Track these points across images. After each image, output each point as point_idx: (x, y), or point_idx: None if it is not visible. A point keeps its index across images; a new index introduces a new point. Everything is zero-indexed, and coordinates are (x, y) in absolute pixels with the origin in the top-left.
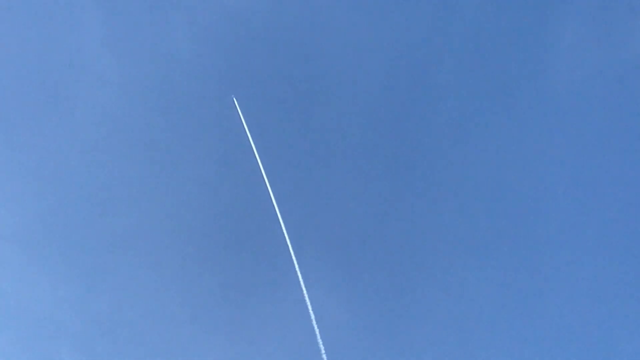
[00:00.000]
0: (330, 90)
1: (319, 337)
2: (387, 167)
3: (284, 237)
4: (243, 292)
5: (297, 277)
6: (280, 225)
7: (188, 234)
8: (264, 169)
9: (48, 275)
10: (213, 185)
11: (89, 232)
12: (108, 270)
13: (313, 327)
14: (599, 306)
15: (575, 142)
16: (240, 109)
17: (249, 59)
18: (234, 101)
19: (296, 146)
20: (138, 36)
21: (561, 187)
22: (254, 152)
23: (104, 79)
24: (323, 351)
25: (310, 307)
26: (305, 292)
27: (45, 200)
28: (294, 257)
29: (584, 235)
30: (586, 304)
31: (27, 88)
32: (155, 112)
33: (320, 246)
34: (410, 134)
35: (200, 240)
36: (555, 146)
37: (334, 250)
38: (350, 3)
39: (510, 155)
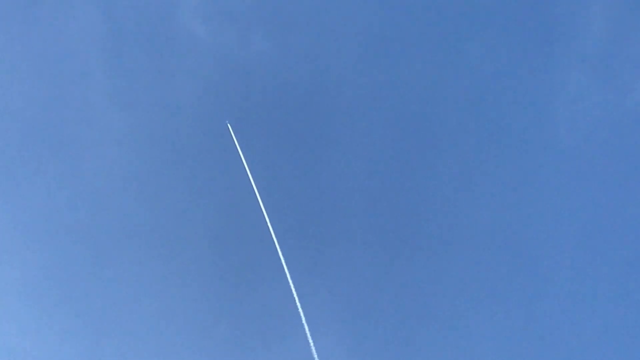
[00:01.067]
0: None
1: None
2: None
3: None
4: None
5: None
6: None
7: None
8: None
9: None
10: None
11: (94, 283)
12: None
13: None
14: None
15: (579, 189)
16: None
17: (251, 109)
18: (228, 127)
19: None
20: (141, 86)
21: (566, 237)
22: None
23: (109, 130)
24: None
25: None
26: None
27: (51, 253)
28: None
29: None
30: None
31: (32, 140)
32: (159, 161)
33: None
34: (412, 183)
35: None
36: (560, 194)
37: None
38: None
39: (515, 204)
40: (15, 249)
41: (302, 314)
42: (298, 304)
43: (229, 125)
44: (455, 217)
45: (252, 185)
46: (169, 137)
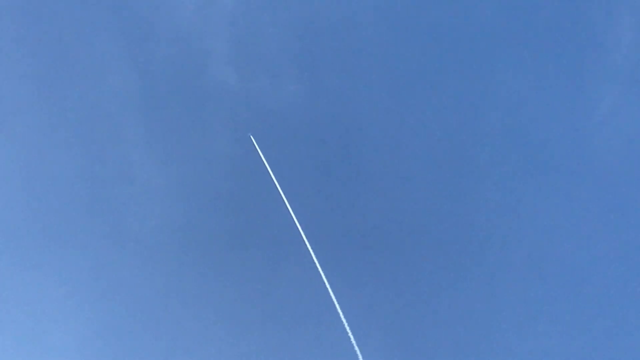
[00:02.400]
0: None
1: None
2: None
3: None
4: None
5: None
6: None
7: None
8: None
9: None
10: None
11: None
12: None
13: None
14: None
15: (616, 205)
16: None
17: (287, 152)
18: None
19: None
20: (176, 139)
21: (602, 253)
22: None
23: (147, 185)
24: None
25: None
26: None
27: (100, 315)
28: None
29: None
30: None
31: (73, 203)
32: (200, 213)
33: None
34: (451, 206)
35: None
36: (596, 210)
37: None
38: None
39: (554, 221)
40: (64, 310)
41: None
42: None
43: (252, 137)
44: (498, 233)
45: (293, 219)
46: (208, 188)
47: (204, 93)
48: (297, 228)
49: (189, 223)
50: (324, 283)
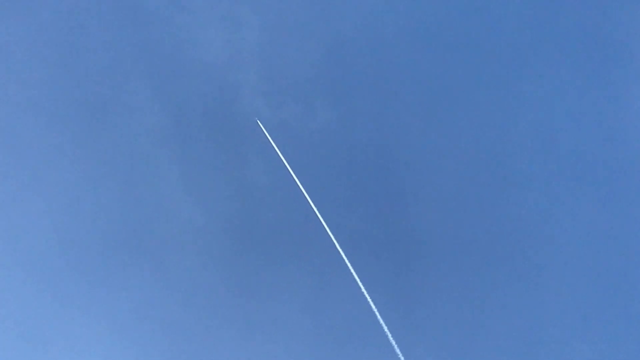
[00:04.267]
0: None
1: None
2: None
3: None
4: None
5: None
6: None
7: None
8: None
9: None
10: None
11: None
12: None
13: None
14: None
15: None
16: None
17: (325, 179)
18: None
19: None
20: (212, 174)
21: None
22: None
23: (186, 223)
24: None
25: None
26: None
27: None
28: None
29: None
30: None
31: (113, 245)
32: (240, 250)
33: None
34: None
35: None
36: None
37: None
38: None
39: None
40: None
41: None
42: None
43: (258, 121)
44: (536, 241)
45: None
46: (246, 221)
47: (235, 124)
48: (341, 256)
49: (228, 257)
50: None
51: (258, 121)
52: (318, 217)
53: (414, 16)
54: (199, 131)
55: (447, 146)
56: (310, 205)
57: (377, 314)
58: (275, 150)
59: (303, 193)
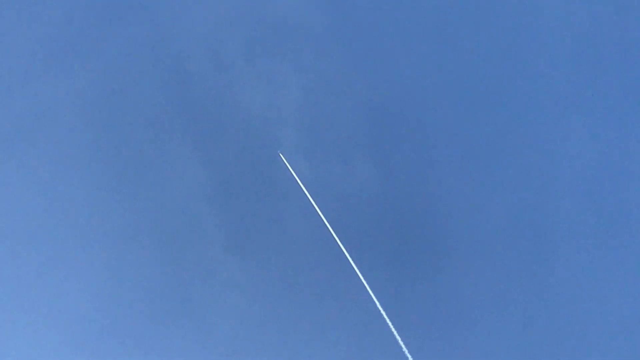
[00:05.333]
0: None
1: None
2: None
3: None
4: None
5: None
6: None
7: None
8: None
9: None
10: None
11: None
12: None
13: None
14: None
15: None
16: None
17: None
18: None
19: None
20: (255, 233)
21: None
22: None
23: (227, 279)
24: None
25: None
26: None
27: None
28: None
29: None
30: None
31: (155, 303)
32: (288, 305)
33: None
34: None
35: None
36: None
37: None
38: None
39: None
40: None
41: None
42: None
43: (280, 154)
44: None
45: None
46: (288, 282)
47: (277, 183)
48: (385, 320)
49: (270, 316)
50: None
51: (280, 154)
52: (358, 276)
53: (452, 73)
54: (240, 189)
55: (485, 201)
56: (350, 263)
57: None
58: (315, 209)
59: (342, 249)
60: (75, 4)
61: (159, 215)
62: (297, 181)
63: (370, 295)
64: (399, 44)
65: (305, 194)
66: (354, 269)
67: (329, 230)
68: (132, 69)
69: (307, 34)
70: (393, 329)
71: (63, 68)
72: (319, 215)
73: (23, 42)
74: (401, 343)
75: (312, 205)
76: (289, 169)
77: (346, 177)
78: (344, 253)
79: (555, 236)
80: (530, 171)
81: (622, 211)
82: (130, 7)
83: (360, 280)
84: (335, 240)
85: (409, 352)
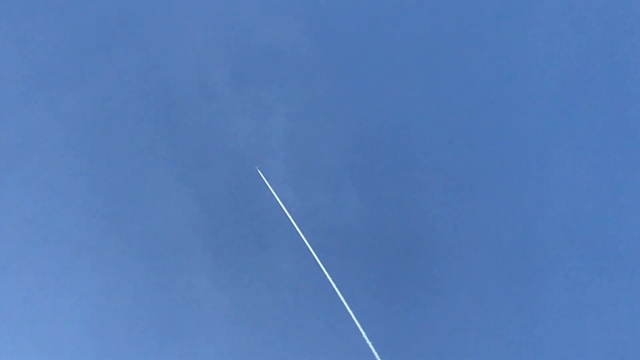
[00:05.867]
0: None
1: None
2: None
3: None
4: None
5: None
6: None
7: None
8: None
9: None
10: None
11: None
12: None
13: None
14: None
15: None
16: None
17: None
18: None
19: None
20: (240, 264)
21: None
22: None
23: (214, 312)
24: None
25: None
26: None
27: None
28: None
29: None
30: None
31: (141, 332)
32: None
33: None
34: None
35: None
36: None
37: None
38: None
39: None
40: None
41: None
42: None
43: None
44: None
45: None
46: (274, 312)
47: (263, 213)
48: (371, 350)
49: (255, 345)
50: None
51: (258, 170)
52: (345, 307)
53: (440, 104)
54: (226, 217)
55: (474, 230)
56: (337, 294)
57: None
58: (303, 239)
59: (329, 280)
60: (63, 32)
61: (144, 243)
62: (283, 210)
63: (356, 326)
64: (388, 73)
65: (291, 222)
66: (340, 298)
67: (315, 259)
68: (118, 96)
69: (295, 62)
70: (378, 358)
71: (50, 96)
72: (305, 243)
73: (11, 70)
74: None
75: (299, 234)
76: (274, 197)
77: (333, 206)
78: (330, 283)
79: (541, 276)
80: (517, 206)
81: (609, 248)
82: (115, 36)
83: (346, 309)
84: (322, 270)
85: None
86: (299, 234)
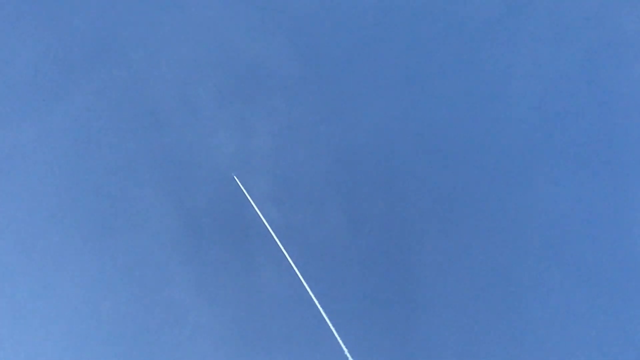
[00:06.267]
0: None
1: None
2: None
3: None
4: None
5: None
6: None
7: None
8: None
9: None
10: None
11: None
12: None
13: None
14: None
15: None
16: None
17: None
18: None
19: None
20: (224, 279)
21: None
22: None
23: (198, 327)
24: None
25: None
26: None
27: None
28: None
29: None
30: None
31: (122, 353)
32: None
33: None
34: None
35: None
36: None
37: None
38: None
39: None
40: None
41: None
42: None
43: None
44: None
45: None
46: (257, 328)
47: (245, 230)
48: None
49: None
50: None
51: (235, 177)
52: (327, 324)
53: (425, 123)
54: (210, 235)
55: (458, 255)
56: (320, 311)
57: None
58: (285, 256)
59: (312, 297)
60: (45, 48)
61: (126, 258)
62: (267, 228)
63: (339, 343)
64: (373, 92)
65: (275, 240)
66: (323, 317)
67: (298, 275)
68: (101, 112)
69: (279, 79)
70: None
71: (31, 112)
72: (288, 260)
73: None
74: None
75: (282, 252)
76: (257, 212)
77: (316, 222)
78: (312, 299)
79: (530, 299)
80: (504, 219)
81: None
82: (99, 52)
83: (330, 328)
84: (304, 286)
85: None
86: (282, 250)
